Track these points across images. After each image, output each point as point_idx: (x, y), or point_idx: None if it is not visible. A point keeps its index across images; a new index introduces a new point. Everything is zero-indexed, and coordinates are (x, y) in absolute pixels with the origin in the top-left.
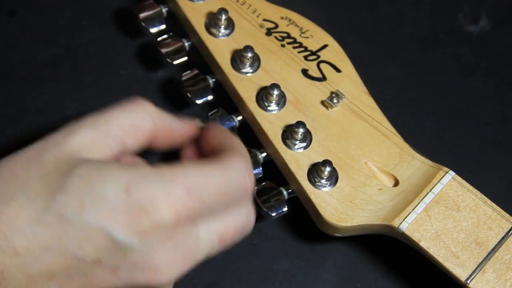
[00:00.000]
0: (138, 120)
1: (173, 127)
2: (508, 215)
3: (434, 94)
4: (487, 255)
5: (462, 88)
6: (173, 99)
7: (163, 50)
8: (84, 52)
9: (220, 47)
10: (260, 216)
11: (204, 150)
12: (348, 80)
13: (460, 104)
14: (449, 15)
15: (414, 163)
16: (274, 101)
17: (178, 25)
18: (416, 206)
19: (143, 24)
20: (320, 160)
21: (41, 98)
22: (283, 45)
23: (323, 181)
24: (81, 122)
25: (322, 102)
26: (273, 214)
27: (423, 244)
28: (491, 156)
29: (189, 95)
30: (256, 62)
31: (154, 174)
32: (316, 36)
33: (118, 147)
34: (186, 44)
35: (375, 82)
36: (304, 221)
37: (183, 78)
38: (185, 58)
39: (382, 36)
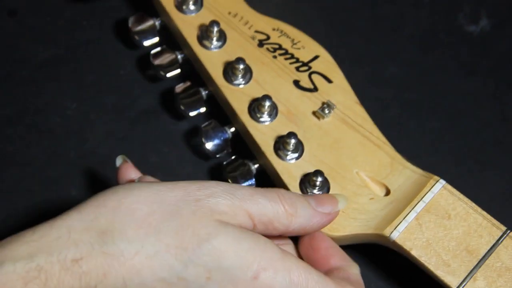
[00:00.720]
0: (276, 217)
1: (307, 226)
2: (499, 223)
3: (434, 94)
4: (478, 263)
5: (462, 88)
6: (172, 100)
7: (156, 63)
8: (84, 52)
9: (212, 59)
10: None
11: (313, 255)
12: (340, 90)
13: (460, 104)
14: (449, 15)
15: (405, 172)
16: (266, 112)
17: (171, 37)
18: (407, 215)
19: (136, 37)
20: (312, 170)
21: (41, 98)
22: (274, 57)
23: (315, 191)
24: (219, 188)
25: (314, 113)
26: None
27: (414, 252)
28: (491, 156)
29: (182, 107)
30: (248, 73)
31: (282, 265)
32: (307, 47)
33: (249, 226)
34: (179, 56)
35: (375, 82)
36: None
37: (176, 91)
38: (178, 71)
39: (382, 36)
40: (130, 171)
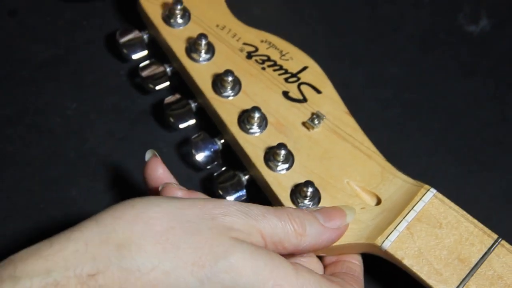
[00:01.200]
0: (286, 237)
1: (317, 243)
2: (490, 231)
3: (434, 94)
4: (470, 272)
5: (462, 88)
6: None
7: (145, 76)
8: (84, 52)
9: (201, 71)
10: None
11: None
12: (329, 100)
13: (460, 104)
14: (449, 15)
15: (396, 182)
16: (255, 124)
17: (160, 50)
18: (399, 224)
19: (124, 50)
20: (303, 181)
21: (41, 98)
22: (263, 68)
23: (306, 201)
24: (234, 207)
25: (304, 124)
26: None
27: (406, 262)
28: (491, 156)
29: (171, 119)
30: (237, 85)
31: (296, 282)
32: (296, 58)
33: (261, 246)
34: (168, 69)
35: (375, 82)
36: None
37: (165, 103)
38: (167, 83)
39: (382, 36)
40: (158, 166)
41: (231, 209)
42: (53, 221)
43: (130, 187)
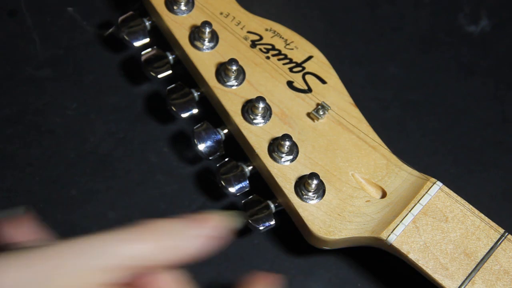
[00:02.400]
0: (141, 253)
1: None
2: (497, 225)
3: (434, 94)
4: (476, 266)
5: (462, 88)
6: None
7: (147, 64)
8: (84, 52)
9: (204, 60)
10: (249, 229)
11: None
12: (334, 91)
13: (460, 104)
14: (449, 15)
15: (401, 174)
16: (259, 114)
17: (162, 38)
18: (404, 217)
19: (126, 37)
20: (307, 172)
21: (41, 98)
22: (268, 57)
23: (310, 194)
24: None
25: (308, 114)
26: (261, 228)
27: (412, 256)
28: (491, 156)
29: (173, 108)
30: (241, 75)
31: None
32: (300, 47)
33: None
34: (171, 57)
35: (375, 82)
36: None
37: (168, 92)
38: (170, 72)
39: (382, 36)
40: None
41: None
42: (53, 221)
43: (130, 187)
